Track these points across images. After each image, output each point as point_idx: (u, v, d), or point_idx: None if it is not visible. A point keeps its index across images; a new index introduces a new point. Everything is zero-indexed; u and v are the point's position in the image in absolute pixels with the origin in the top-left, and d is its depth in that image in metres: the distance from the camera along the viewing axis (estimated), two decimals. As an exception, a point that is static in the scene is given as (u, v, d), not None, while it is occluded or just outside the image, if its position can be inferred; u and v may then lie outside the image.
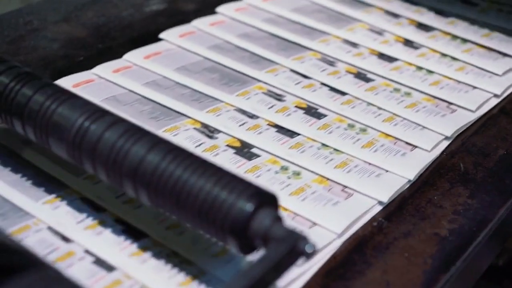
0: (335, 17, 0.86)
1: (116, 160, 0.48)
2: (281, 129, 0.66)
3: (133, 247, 0.52)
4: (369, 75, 0.75)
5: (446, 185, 0.62)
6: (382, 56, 0.79)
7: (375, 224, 0.57)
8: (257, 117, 0.67)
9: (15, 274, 0.37)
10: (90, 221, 0.54)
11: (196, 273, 0.50)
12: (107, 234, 0.53)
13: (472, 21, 0.87)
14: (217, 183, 0.46)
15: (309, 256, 0.43)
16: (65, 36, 0.80)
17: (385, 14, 0.87)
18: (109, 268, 0.50)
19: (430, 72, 0.77)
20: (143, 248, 0.52)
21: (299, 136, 0.65)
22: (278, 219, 0.45)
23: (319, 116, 0.68)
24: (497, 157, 0.66)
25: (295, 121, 0.67)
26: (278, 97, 0.70)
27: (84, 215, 0.54)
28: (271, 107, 0.69)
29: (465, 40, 0.83)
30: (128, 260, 0.51)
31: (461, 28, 0.85)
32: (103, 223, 0.54)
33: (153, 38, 0.80)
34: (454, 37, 0.84)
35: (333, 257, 0.54)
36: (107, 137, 0.49)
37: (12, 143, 0.60)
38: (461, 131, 0.69)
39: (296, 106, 0.69)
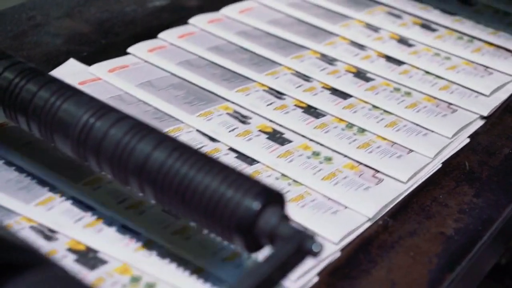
0: (313, 31, 0.83)
1: (122, 157, 0.48)
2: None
3: (136, 243, 0.51)
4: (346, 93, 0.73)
5: (451, 184, 0.62)
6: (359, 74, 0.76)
7: (380, 223, 0.57)
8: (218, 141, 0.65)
9: (22, 272, 0.37)
10: (88, 218, 0.53)
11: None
12: (108, 230, 0.52)
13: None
14: (223, 181, 0.45)
15: (316, 255, 0.43)
16: (68, 31, 0.80)
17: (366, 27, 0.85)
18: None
19: (408, 93, 0.73)
20: (146, 244, 0.51)
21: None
22: (285, 217, 0.45)
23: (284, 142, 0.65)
24: (502, 156, 0.66)
25: (257, 146, 0.64)
26: (243, 119, 0.67)
27: (81, 213, 0.53)
28: (233, 130, 0.65)
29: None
30: (134, 254, 0.50)
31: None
32: (102, 220, 0.53)
33: (156, 34, 0.79)
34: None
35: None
36: (113, 134, 0.49)
37: (11, 144, 0.59)
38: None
39: (260, 130, 0.65)
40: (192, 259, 0.50)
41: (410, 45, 0.81)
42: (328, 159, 0.62)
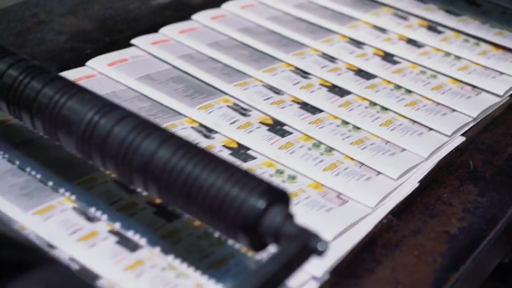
0: (313, 27, 0.84)
1: (126, 155, 0.48)
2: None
3: (127, 260, 0.50)
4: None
5: (455, 183, 0.62)
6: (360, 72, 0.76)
7: (385, 222, 0.57)
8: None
9: (27, 271, 0.37)
10: (82, 232, 0.52)
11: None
12: (101, 246, 0.51)
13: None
14: (228, 179, 0.45)
15: (321, 254, 0.43)
16: (71, 29, 0.80)
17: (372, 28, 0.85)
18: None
19: (408, 91, 0.74)
20: (138, 261, 0.50)
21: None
22: (290, 216, 0.45)
23: (284, 134, 0.65)
24: (506, 154, 0.66)
25: (258, 138, 0.65)
26: (243, 112, 0.68)
27: (76, 226, 0.52)
28: (234, 122, 0.66)
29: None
30: (122, 274, 0.49)
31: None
32: (96, 235, 0.52)
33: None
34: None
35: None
36: (117, 131, 0.49)
37: (10, 140, 0.59)
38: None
39: (260, 122, 0.66)
40: (178, 264, 0.50)
41: (419, 46, 0.81)
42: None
